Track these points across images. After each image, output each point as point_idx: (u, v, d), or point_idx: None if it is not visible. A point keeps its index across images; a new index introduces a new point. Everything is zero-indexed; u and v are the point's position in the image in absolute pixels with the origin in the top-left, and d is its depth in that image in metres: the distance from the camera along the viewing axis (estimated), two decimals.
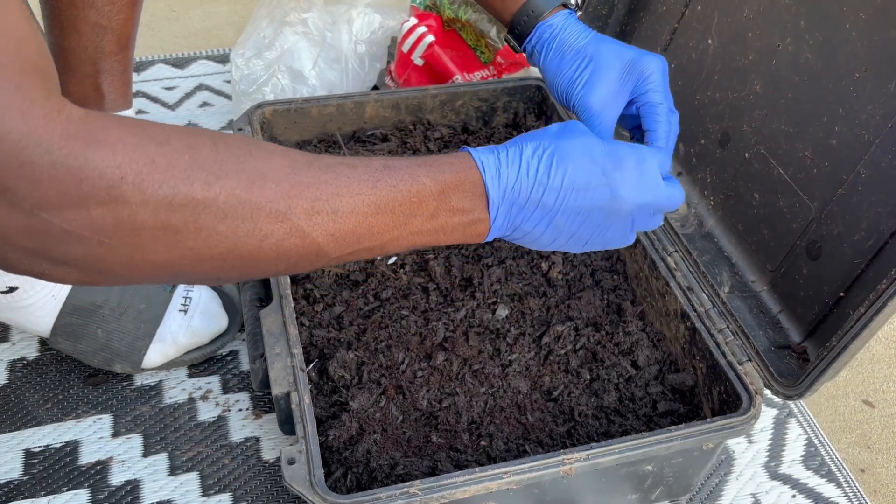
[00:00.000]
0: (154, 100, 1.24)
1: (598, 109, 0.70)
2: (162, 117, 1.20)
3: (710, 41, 0.86)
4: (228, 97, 1.25)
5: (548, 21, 0.75)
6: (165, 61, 1.31)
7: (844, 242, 0.71)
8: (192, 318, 0.86)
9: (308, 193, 0.50)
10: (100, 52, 0.86)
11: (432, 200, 0.56)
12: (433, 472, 0.71)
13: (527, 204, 0.58)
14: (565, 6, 0.76)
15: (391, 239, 0.55)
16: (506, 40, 0.80)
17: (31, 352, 0.89)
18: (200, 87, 1.27)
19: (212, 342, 0.89)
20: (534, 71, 1.14)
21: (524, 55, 0.80)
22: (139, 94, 1.23)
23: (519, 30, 0.77)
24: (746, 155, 0.81)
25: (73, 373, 0.87)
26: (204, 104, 1.23)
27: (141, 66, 1.28)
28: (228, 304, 0.91)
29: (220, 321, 0.88)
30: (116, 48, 0.86)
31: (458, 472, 0.64)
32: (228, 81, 1.27)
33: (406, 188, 0.54)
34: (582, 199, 0.59)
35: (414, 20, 1.14)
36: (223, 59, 1.32)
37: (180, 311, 0.86)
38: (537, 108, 1.05)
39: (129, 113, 0.93)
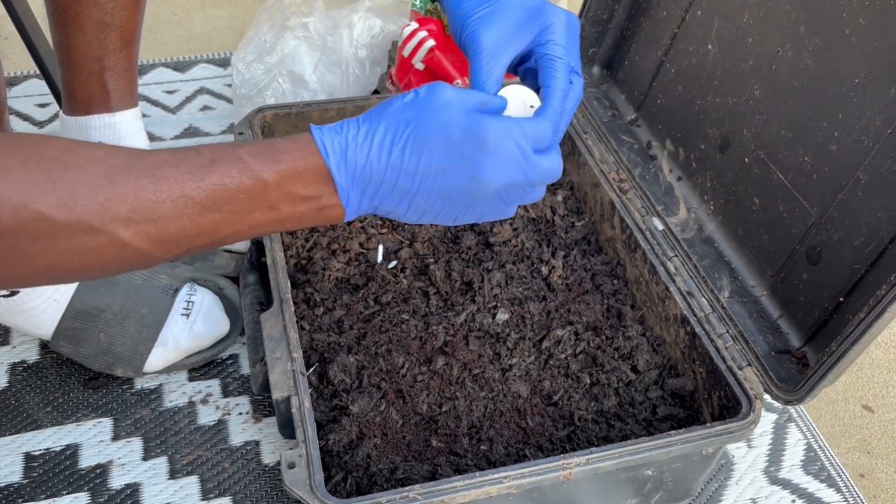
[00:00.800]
0: (155, 103, 1.24)
1: (488, 48, 0.62)
2: (163, 121, 1.20)
3: (710, 46, 0.86)
4: (229, 101, 1.25)
5: None
6: (166, 65, 1.31)
7: (844, 248, 0.71)
8: (194, 323, 0.86)
9: (124, 204, 0.48)
10: (104, 49, 0.86)
11: (271, 192, 0.52)
12: (433, 476, 0.71)
13: (381, 187, 0.55)
14: None
15: (229, 234, 0.53)
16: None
17: (32, 355, 0.89)
18: (201, 91, 1.27)
19: (213, 346, 0.89)
20: None
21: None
22: (140, 97, 1.23)
23: None
24: (746, 160, 0.82)
25: (73, 376, 0.87)
26: (205, 108, 1.24)
27: (142, 70, 1.29)
28: (230, 309, 0.91)
29: (222, 325, 0.88)
30: (120, 45, 0.87)
31: (458, 476, 0.64)
32: (229, 85, 1.27)
33: (236, 184, 0.51)
34: (441, 181, 0.55)
35: (415, 24, 1.15)
36: (224, 62, 1.32)
37: (182, 315, 0.86)
38: None
39: (136, 111, 0.93)
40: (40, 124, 1.18)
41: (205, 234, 0.52)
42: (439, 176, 0.55)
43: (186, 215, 0.50)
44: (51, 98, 1.18)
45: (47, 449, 0.82)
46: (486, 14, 0.63)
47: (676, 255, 0.84)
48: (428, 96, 0.55)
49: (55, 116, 1.19)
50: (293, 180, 0.53)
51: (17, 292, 0.78)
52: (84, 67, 0.87)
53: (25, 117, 1.19)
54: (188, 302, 0.86)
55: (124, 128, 0.92)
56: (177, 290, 0.87)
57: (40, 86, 1.22)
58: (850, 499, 0.83)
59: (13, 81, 1.25)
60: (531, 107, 0.63)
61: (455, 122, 0.54)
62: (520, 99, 0.62)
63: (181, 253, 0.52)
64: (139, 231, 0.49)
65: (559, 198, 0.97)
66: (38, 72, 1.12)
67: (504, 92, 0.62)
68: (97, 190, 0.47)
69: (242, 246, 0.94)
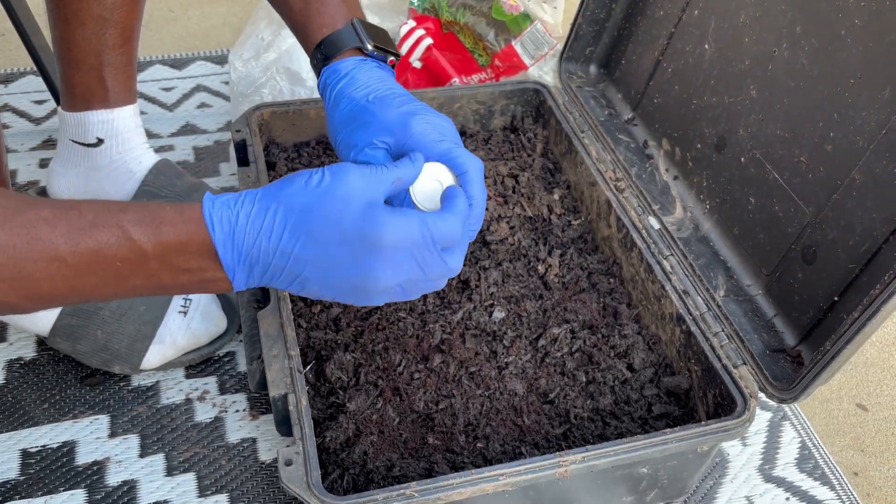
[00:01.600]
0: (152, 101, 1.24)
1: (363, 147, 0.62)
2: (160, 118, 1.20)
3: (706, 46, 0.87)
4: (227, 98, 1.25)
5: (333, 65, 0.69)
6: (163, 62, 1.31)
7: (839, 247, 0.71)
8: (191, 320, 0.86)
9: None
10: (103, 45, 0.86)
11: (150, 262, 0.50)
12: (429, 473, 0.71)
13: (269, 269, 0.53)
14: (360, 50, 0.70)
15: (109, 295, 0.51)
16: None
17: (29, 352, 0.89)
18: (198, 88, 1.27)
19: (210, 343, 0.89)
20: (531, 74, 1.14)
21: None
22: (137, 94, 1.23)
23: (314, 67, 0.71)
24: (742, 159, 0.82)
25: (70, 373, 0.88)
26: (202, 105, 1.24)
27: (139, 67, 1.28)
28: (227, 306, 0.91)
29: (220, 323, 0.88)
30: (120, 41, 0.87)
31: (455, 473, 0.64)
32: (227, 83, 1.27)
33: (113, 251, 0.49)
34: (331, 275, 0.53)
35: (412, 23, 1.15)
36: (221, 60, 1.32)
37: (180, 312, 0.86)
38: (535, 111, 1.05)
39: (134, 107, 0.93)
40: (37, 121, 1.18)
41: (80, 295, 0.50)
42: (329, 270, 0.53)
43: (59, 277, 0.49)
44: (48, 95, 1.17)
45: (44, 446, 0.82)
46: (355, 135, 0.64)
47: (672, 254, 0.84)
48: (331, 183, 0.53)
49: (52, 113, 1.19)
50: (175, 253, 0.51)
51: None
52: (83, 63, 0.87)
53: (22, 114, 1.19)
54: (186, 299, 0.87)
55: (122, 123, 0.92)
56: None
57: (37, 82, 1.21)
58: (844, 497, 0.84)
59: (10, 78, 1.25)
60: (440, 183, 0.62)
61: (350, 218, 0.52)
62: (433, 174, 0.61)
63: (58, 306, 0.51)
64: (9, 287, 0.48)
65: (556, 196, 0.98)
66: (34, 68, 1.12)
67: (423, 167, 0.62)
68: None
69: None
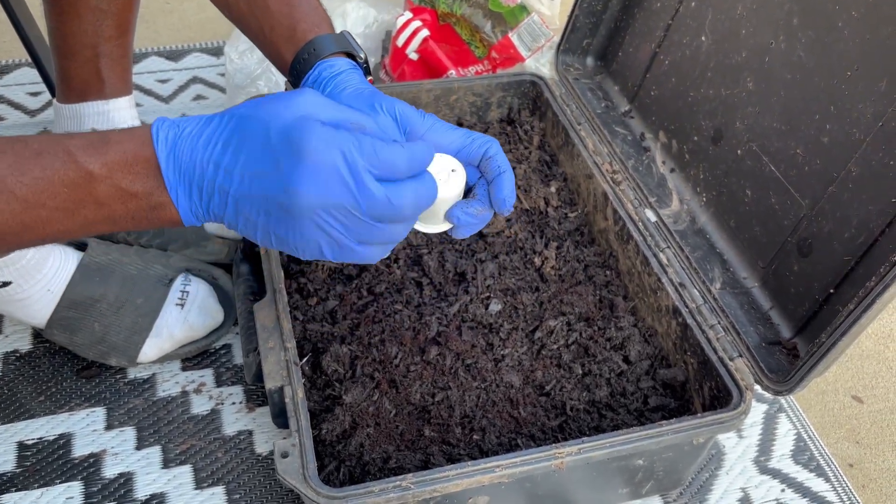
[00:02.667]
0: (148, 92, 1.23)
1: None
2: (156, 110, 1.20)
3: (703, 38, 0.87)
4: (223, 90, 1.25)
5: (329, 60, 0.68)
6: (159, 53, 1.31)
7: (835, 240, 0.71)
8: (188, 313, 0.86)
9: None
10: (100, 36, 0.86)
11: (98, 186, 0.48)
12: (426, 465, 0.71)
13: (205, 186, 0.49)
14: (351, 56, 0.70)
15: (60, 231, 0.49)
16: (285, 87, 0.75)
17: (24, 344, 0.89)
18: (194, 80, 1.26)
19: (207, 336, 0.89)
20: (528, 66, 1.14)
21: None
22: (133, 86, 1.23)
23: (298, 69, 0.69)
24: (739, 152, 0.82)
25: (66, 365, 0.87)
26: (198, 97, 1.23)
27: (134, 59, 1.28)
28: (224, 299, 0.91)
29: (216, 316, 0.88)
30: (116, 33, 0.87)
31: (451, 465, 0.64)
32: (222, 74, 1.27)
33: (60, 176, 0.47)
34: (255, 187, 0.49)
35: (409, 14, 1.14)
36: (217, 51, 1.32)
37: (177, 305, 0.86)
38: (532, 104, 1.05)
39: (129, 99, 0.93)
40: (32, 113, 1.18)
41: (31, 231, 0.48)
42: (254, 180, 0.48)
43: (8, 211, 0.47)
44: (42, 87, 1.17)
45: (40, 438, 0.82)
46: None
47: (669, 247, 0.84)
48: (280, 95, 0.50)
49: (48, 105, 1.19)
50: (122, 173, 0.48)
51: (10, 283, 0.78)
52: (79, 55, 0.86)
53: (17, 106, 1.19)
54: (183, 292, 0.86)
55: (118, 115, 0.92)
56: (171, 280, 0.87)
57: (32, 74, 1.21)
58: (839, 488, 0.84)
59: (4, 70, 1.25)
60: (452, 171, 0.60)
61: (280, 123, 0.48)
62: (440, 164, 0.60)
63: (10, 248, 0.49)
64: None
65: (552, 189, 0.98)
66: (29, 60, 1.11)
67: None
68: None
69: (235, 233, 0.94)
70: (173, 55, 1.31)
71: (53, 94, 0.95)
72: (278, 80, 1.09)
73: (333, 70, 0.67)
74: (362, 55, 0.71)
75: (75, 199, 0.48)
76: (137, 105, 1.17)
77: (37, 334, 0.90)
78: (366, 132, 0.51)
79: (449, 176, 0.60)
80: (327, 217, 0.49)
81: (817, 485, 0.84)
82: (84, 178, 0.48)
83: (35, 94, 1.21)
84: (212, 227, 0.95)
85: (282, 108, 0.49)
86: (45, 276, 0.80)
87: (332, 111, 0.50)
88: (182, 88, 1.25)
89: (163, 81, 1.26)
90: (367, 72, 0.72)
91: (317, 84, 0.67)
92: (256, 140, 0.48)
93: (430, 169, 0.57)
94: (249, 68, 1.11)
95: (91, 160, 0.48)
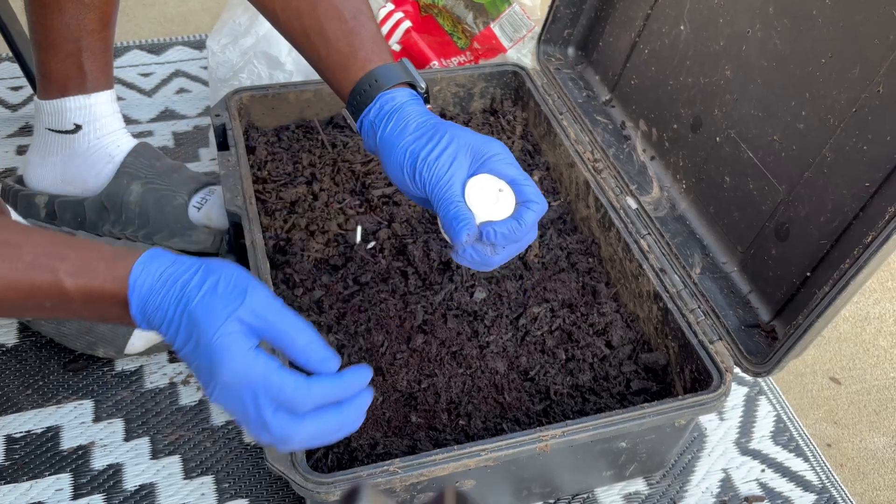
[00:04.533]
0: (130, 86, 1.23)
1: (451, 176, 0.67)
2: (139, 104, 1.20)
3: (682, 27, 0.88)
4: (205, 83, 1.24)
5: (391, 92, 0.71)
6: (141, 47, 1.30)
7: (811, 224, 0.73)
8: None
9: None
10: (82, 29, 0.86)
11: (76, 305, 0.56)
12: (413, 450, 0.72)
13: (163, 335, 0.57)
14: (412, 86, 0.72)
15: (28, 316, 0.59)
16: (342, 115, 0.74)
17: (10, 338, 0.89)
18: (177, 74, 1.26)
19: None
20: (510, 57, 1.15)
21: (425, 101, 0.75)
22: (115, 80, 1.22)
23: (358, 101, 0.71)
24: (718, 139, 0.83)
25: (52, 359, 0.88)
26: (181, 90, 1.23)
27: (116, 52, 1.27)
28: None
29: None
30: (99, 26, 0.87)
31: (437, 450, 0.65)
32: (205, 67, 1.27)
33: (44, 294, 0.55)
34: (193, 363, 0.56)
35: (391, 6, 1.15)
36: (199, 45, 1.32)
37: None
38: (514, 94, 1.06)
39: (110, 93, 0.93)
40: (14, 107, 1.17)
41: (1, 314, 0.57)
42: (192, 359, 0.56)
43: None
44: (24, 81, 1.16)
45: (28, 431, 0.82)
46: (442, 149, 0.68)
47: (649, 233, 0.86)
48: (229, 296, 0.55)
49: (29, 99, 1.18)
50: (99, 303, 0.56)
51: None
52: (61, 49, 0.86)
53: None
54: None
55: (100, 109, 0.92)
56: None
57: (13, 69, 1.20)
58: (818, 467, 0.86)
59: None
60: (500, 190, 0.67)
61: (208, 337, 0.54)
62: (488, 185, 0.68)
63: None
64: None
65: (535, 178, 0.99)
66: (10, 55, 1.11)
67: (471, 182, 0.68)
68: None
69: (221, 222, 0.94)
70: (155, 48, 1.30)
71: (35, 90, 0.95)
72: (261, 73, 1.09)
73: (395, 103, 0.70)
74: (423, 85, 0.73)
75: (52, 307, 0.56)
76: (120, 99, 1.17)
77: (23, 328, 0.90)
78: (281, 369, 0.54)
79: (497, 197, 0.67)
80: (240, 413, 0.56)
81: (796, 464, 0.86)
82: (66, 300, 0.55)
83: (16, 89, 1.20)
84: (197, 215, 0.95)
85: (215, 320, 0.54)
86: None
87: (265, 321, 0.55)
88: (165, 82, 1.24)
89: (145, 75, 1.25)
90: (426, 100, 0.74)
91: (378, 118, 0.70)
92: (196, 338, 0.55)
93: (480, 188, 0.67)
94: (232, 61, 1.11)
95: (75, 290, 0.55)
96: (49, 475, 0.79)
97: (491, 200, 0.67)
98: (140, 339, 0.86)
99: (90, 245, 0.57)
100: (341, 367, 0.57)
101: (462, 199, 0.67)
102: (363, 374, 0.57)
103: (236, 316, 0.54)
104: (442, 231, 0.69)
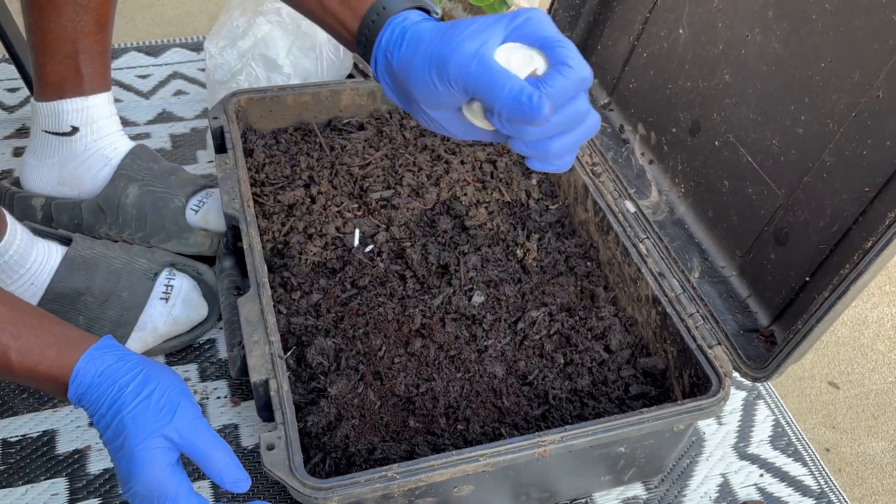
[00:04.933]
0: (128, 88, 1.23)
1: (485, 49, 0.56)
2: (136, 105, 1.19)
3: (681, 31, 0.88)
4: (203, 85, 1.24)
5: (402, 14, 0.62)
6: (138, 49, 1.30)
7: (810, 228, 0.73)
8: (172, 307, 0.86)
9: None
10: (79, 32, 0.85)
11: (18, 377, 0.60)
12: (411, 456, 0.72)
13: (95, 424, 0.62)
14: (424, 10, 0.64)
15: None
16: (354, 61, 0.67)
17: None
18: (175, 76, 1.26)
19: (191, 331, 0.89)
20: None
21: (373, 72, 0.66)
22: (112, 82, 1.22)
23: (367, 34, 0.64)
24: (716, 143, 0.83)
25: None
26: (178, 92, 1.23)
27: (114, 54, 1.27)
28: (208, 294, 0.91)
29: (201, 310, 0.88)
30: (96, 28, 0.86)
31: (436, 455, 0.65)
32: (203, 69, 1.26)
33: None
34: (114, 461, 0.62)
35: None
36: (197, 46, 1.31)
37: (161, 299, 0.86)
38: None
39: (108, 95, 0.92)
40: (10, 109, 1.17)
41: None
42: (112, 456, 0.61)
43: None
44: (21, 83, 1.16)
45: (24, 435, 0.82)
46: (469, 31, 0.58)
47: (648, 237, 0.86)
48: (159, 409, 0.60)
49: (26, 101, 1.18)
50: (40, 381, 0.61)
51: None
52: (58, 51, 0.86)
53: None
54: (167, 286, 0.86)
55: (97, 111, 0.91)
56: (156, 274, 0.87)
57: (10, 70, 1.20)
58: (816, 472, 0.86)
59: None
60: (534, 62, 0.56)
61: (134, 447, 0.59)
62: (516, 55, 0.55)
63: None
64: None
65: (533, 181, 0.98)
66: (7, 56, 1.10)
67: (503, 49, 0.56)
68: None
69: (218, 224, 0.94)
70: (153, 50, 1.30)
71: (32, 91, 0.95)
72: (258, 76, 1.09)
73: (407, 23, 0.61)
74: (438, 10, 0.65)
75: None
76: (117, 101, 1.17)
77: None
78: (189, 494, 0.60)
79: (531, 64, 0.56)
80: None
81: (795, 469, 0.86)
82: (9, 372, 0.60)
83: (13, 91, 1.20)
84: (195, 218, 0.95)
85: (141, 433, 0.59)
86: (28, 270, 0.80)
87: (187, 441, 0.60)
88: (162, 84, 1.24)
89: (143, 77, 1.25)
90: (440, 17, 0.66)
91: (391, 43, 0.62)
92: (122, 440, 0.59)
93: (505, 60, 0.55)
94: (230, 64, 1.10)
95: (20, 368, 0.60)
96: (45, 479, 0.78)
97: (523, 70, 0.55)
98: (137, 343, 0.85)
99: (47, 327, 0.61)
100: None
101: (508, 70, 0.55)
102: None
103: (162, 433, 0.59)
104: (477, 119, 0.58)
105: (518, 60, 0.56)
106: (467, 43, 0.56)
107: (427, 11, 0.64)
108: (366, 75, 0.69)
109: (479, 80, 0.55)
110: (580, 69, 0.56)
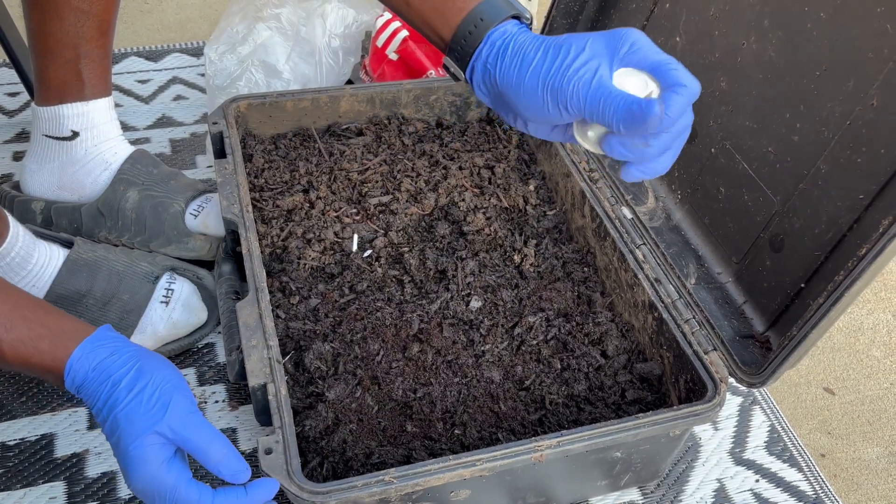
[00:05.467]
0: (128, 93, 1.23)
1: (599, 77, 0.60)
2: (136, 110, 1.20)
3: (677, 39, 0.88)
4: (203, 90, 1.25)
5: (500, 27, 0.65)
6: (139, 54, 1.31)
7: (805, 235, 0.73)
8: (173, 311, 0.86)
9: None
10: (81, 37, 0.86)
11: (11, 366, 0.61)
12: (408, 460, 0.72)
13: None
14: (517, 18, 0.67)
15: None
16: (444, 66, 0.69)
17: None
18: (174, 81, 1.26)
19: (190, 335, 0.89)
20: None
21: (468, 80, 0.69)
22: (112, 87, 1.23)
23: (463, 45, 0.66)
24: (713, 150, 0.84)
25: None
26: (178, 97, 1.23)
27: (114, 59, 1.27)
28: (208, 299, 0.91)
29: (200, 314, 0.89)
30: (97, 33, 0.87)
31: (433, 459, 0.65)
32: (202, 75, 1.27)
33: None
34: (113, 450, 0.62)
35: (388, 15, 1.15)
36: (197, 52, 1.32)
37: (161, 303, 0.86)
38: None
39: (108, 100, 0.93)
40: (11, 113, 1.17)
41: None
42: (113, 450, 0.61)
43: None
44: (21, 87, 1.17)
45: (22, 439, 0.82)
46: (586, 60, 0.62)
47: (645, 243, 0.86)
48: (153, 404, 0.60)
49: (26, 105, 1.18)
50: (34, 371, 0.61)
51: None
52: (59, 55, 0.86)
53: None
54: (168, 290, 0.87)
55: (98, 116, 0.92)
56: (157, 278, 0.87)
57: (10, 74, 1.20)
58: (812, 478, 0.86)
59: None
60: (649, 87, 0.61)
61: (125, 444, 0.59)
62: (631, 80, 0.60)
63: None
64: None
65: (531, 187, 0.99)
66: (7, 60, 1.11)
67: (618, 75, 0.61)
68: None
69: (217, 229, 0.94)
70: (153, 55, 1.31)
71: (32, 96, 0.95)
72: (258, 82, 1.10)
73: (507, 37, 0.65)
74: (528, 15, 0.68)
75: None
76: (117, 106, 1.17)
77: None
78: (190, 482, 0.60)
79: (646, 89, 0.60)
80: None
81: (790, 475, 0.86)
82: (3, 360, 0.60)
83: (13, 95, 1.20)
84: (194, 223, 0.95)
85: (134, 431, 0.59)
86: (29, 272, 0.81)
87: (181, 436, 0.60)
88: (162, 89, 1.25)
89: (143, 82, 1.25)
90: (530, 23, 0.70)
91: (493, 56, 0.65)
92: (117, 437, 0.59)
93: (624, 84, 0.60)
94: (230, 69, 1.11)
95: (14, 357, 0.60)
96: (43, 483, 0.79)
97: (640, 95, 0.59)
98: None
99: (43, 319, 0.61)
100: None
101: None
102: (270, 486, 0.62)
103: (155, 430, 0.59)
104: (586, 141, 0.62)
105: (634, 86, 0.61)
106: (582, 72, 0.61)
107: (519, 18, 0.67)
108: (456, 77, 0.71)
109: (598, 105, 0.60)
110: (693, 86, 0.61)
